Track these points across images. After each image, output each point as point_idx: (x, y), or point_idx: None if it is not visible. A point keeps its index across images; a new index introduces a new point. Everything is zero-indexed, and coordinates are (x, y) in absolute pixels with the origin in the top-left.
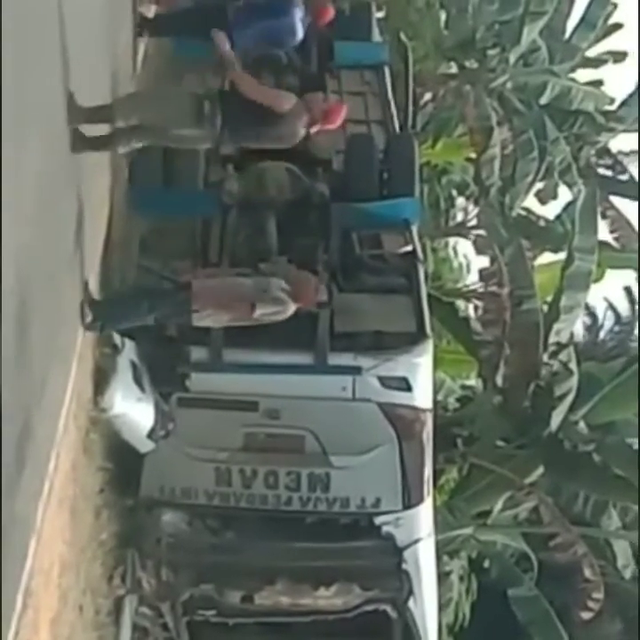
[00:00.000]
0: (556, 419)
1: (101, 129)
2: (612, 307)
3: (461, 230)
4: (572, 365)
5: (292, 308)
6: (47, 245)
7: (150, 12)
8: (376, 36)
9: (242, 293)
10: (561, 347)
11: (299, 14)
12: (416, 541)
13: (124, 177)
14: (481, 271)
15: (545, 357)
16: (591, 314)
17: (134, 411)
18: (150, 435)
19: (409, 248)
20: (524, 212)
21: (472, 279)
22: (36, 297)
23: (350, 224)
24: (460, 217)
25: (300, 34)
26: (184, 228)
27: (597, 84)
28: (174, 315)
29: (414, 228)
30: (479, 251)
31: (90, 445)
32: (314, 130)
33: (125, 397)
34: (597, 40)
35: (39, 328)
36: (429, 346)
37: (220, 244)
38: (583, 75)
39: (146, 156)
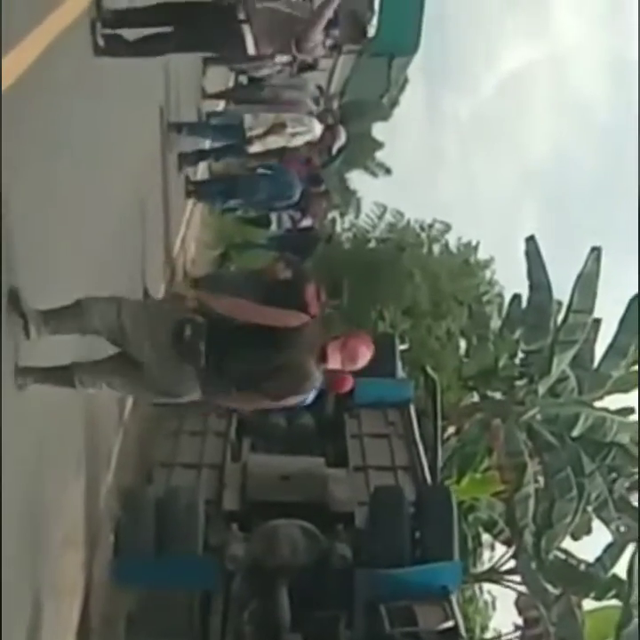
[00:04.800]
0: None
1: None
2: None
3: (493, 576)
4: None
5: None
6: None
7: None
8: (399, 370)
9: None
10: None
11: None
12: None
13: (106, 545)
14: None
15: None
16: None
17: None
18: None
19: (449, 623)
20: (560, 554)
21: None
22: None
23: (377, 594)
24: (486, 554)
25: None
26: (180, 601)
27: (628, 411)
28: None
29: (454, 598)
30: (522, 611)
31: None
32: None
33: None
34: (628, 367)
35: None
36: None
37: (222, 620)
38: (612, 400)
39: (134, 519)
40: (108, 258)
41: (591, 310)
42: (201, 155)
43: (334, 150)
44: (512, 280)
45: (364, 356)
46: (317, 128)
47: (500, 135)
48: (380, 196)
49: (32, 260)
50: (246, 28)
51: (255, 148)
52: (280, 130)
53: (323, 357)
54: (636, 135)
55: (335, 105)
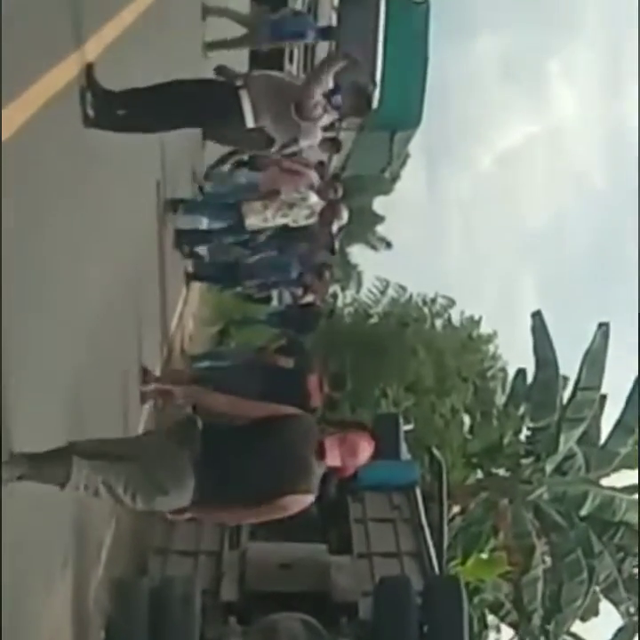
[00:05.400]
0: None
1: None
2: None
3: None
4: None
5: None
6: None
7: None
8: (404, 451)
9: None
10: None
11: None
12: None
13: None
14: None
15: None
16: None
17: None
18: None
19: None
20: (569, 638)
21: None
22: None
23: None
24: (492, 636)
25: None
26: None
27: (635, 489)
28: None
29: None
30: None
31: None
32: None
33: None
34: (635, 443)
35: None
36: None
37: None
38: (619, 477)
39: (127, 612)
40: (102, 337)
41: (599, 387)
42: (198, 238)
43: (335, 229)
44: (514, 352)
45: (365, 450)
46: (314, 199)
47: (500, 208)
48: (381, 270)
49: (24, 341)
50: (244, 94)
51: (251, 220)
52: (274, 197)
53: (321, 454)
54: (635, 207)
55: (338, 183)
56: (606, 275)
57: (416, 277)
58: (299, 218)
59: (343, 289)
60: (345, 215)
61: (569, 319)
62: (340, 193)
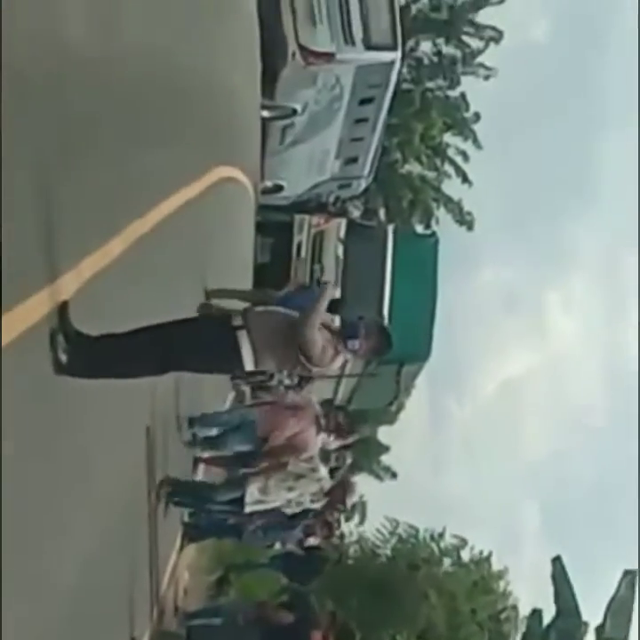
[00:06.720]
0: None
1: None
2: None
3: None
4: None
5: None
6: None
7: None
8: None
9: None
10: None
11: None
12: None
13: None
14: None
15: None
16: None
17: None
18: None
19: None
20: None
21: None
22: None
23: None
24: None
25: None
26: None
27: None
28: None
29: None
30: None
31: None
32: None
33: None
34: None
35: None
36: None
37: None
38: None
39: None
40: (84, 602)
41: (626, 638)
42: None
43: (348, 505)
44: (520, 584)
45: None
46: (323, 472)
47: (503, 437)
48: (385, 499)
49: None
50: (242, 334)
51: (252, 500)
52: (281, 469)
53: None
54: (635, 438)
55: (347, 459)
56: (607, 503)
57: (420, 505)
58: (305, 492)
59: (347, 520)
60: (356, 489)
61: (571, 549)
62: (348, 460)
